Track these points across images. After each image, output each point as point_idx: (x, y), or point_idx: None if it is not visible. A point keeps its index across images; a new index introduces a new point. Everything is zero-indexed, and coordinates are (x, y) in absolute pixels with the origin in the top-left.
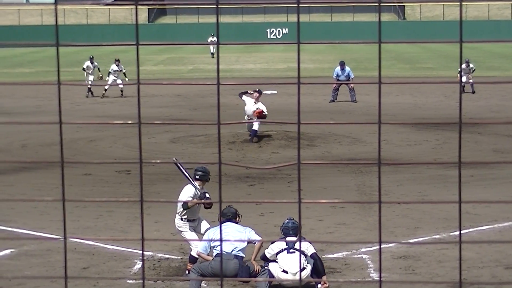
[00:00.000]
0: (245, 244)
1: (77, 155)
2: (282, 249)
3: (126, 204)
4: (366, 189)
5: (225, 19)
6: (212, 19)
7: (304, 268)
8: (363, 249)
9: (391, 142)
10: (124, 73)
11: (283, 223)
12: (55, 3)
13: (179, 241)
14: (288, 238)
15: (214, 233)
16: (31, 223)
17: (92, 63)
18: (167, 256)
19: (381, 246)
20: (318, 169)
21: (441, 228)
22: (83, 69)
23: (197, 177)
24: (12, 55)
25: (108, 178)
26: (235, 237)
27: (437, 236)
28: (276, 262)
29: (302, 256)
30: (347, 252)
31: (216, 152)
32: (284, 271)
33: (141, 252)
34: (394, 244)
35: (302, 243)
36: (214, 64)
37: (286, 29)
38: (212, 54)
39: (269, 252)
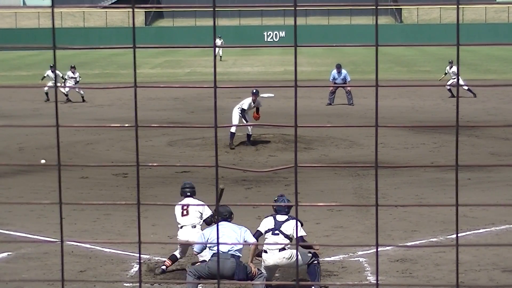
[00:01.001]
0: (241, 244)
1: (74, 158)
2: (269, 229)
3: (123, 207)
4: (363, 192)
5: (222, 22)
6: (209, 22)
7: (284, 249)
8: (360, 252)
9: (389, 145)
10: (77, 81)
11: (275, 200)
12: (52, 6)
13: (176, 244)
14: (279, 216)
15: (210, 233)
16: (29, 226)
17: (53, 72)
18: (164, 259)
19: (378, 249)
20: (315, 172)
21: (438, 231)
22: (44, 77)
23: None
24: (10, 58)
25: (105, 181)
26: (231, 236)
27: (434, 239)
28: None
29: (286, 238)
30: (344, 255)
31: (213, 155)
32: (264, 251)
33: (138, 255)
34: (391, 247)
35: (290, 222)
36: (212, 67)
37: (283, 32)
38: (220, 56)
39: (259, 230)
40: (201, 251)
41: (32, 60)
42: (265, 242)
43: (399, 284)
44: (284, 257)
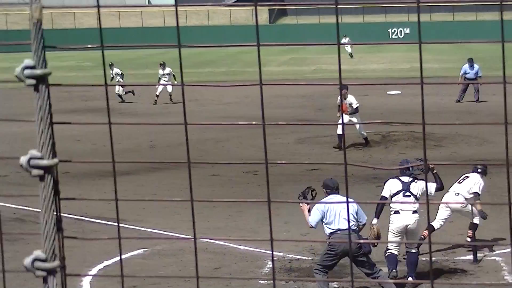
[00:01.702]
0: (356, 218)
1: (205, 156)
2: (398, 191)
3: (255, 205)
4: (497, 191)
5: (346, 19)
6: (332, 19)
7: (416, 212)
8: (496, 252)
9: None
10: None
11: (400, 163)
12: (175, 5)
13: (309, 242)
14: (403, 178)
15: (326, 208)
16: (162, 223)
17: (163, 69)
18: (298, 256)
19: None
20: (446, 170)
21: None
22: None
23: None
24: (137, 56)
25: (236, 178)
26: (345, 210)
27: None
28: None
29: (416, 200)
30: (480, 254)
31: (342, 152)
32: (396, 212)
33: (271, 252)
34: None
35: (418, 184)
36: (337, 64)
37: (408, 29)
38: (350, 54)
39: (385, 193)
40: (317, 225)
41: (159, 59)
42: (392, 204)
43: None
44: (416, 219)
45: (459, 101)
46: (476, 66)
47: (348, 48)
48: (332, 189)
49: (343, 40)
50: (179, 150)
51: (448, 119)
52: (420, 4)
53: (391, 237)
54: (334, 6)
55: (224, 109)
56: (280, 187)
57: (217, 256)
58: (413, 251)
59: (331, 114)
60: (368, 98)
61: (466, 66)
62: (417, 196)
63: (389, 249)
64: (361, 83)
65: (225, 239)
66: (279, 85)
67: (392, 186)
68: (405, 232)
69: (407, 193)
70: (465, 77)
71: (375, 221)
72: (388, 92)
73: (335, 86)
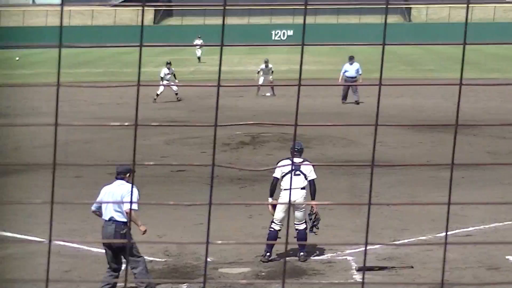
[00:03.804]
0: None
1: (70, 157)
2: (289, 171)
3: None
4: (357, 191)
5: (231, 20)
6: (217, 20)
7: (304, 188)
8: (348, 251)
9: (387, 144)
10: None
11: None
12: (61, 4)
13: (164, 243)
14: (295, 159)
15: (102, 193)
16: (17, 226)
17: (169, 69)
18: (151, 258)
19: (367, 248)
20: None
21: (427, 230)
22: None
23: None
24: (14, 56)
25: (100, 180)
26: (112, 198)
27: (423, 238)
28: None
29: (305, 179)
30: (332, 254)
31: (211, 154)
32: (285, 189)
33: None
34: (380, 245)
35: (306, 166)
36: (216, 66)
37: (291, 31)
38: (199, 58)
39: (276, 174)
40: (96, 209)
41: (37, 59)
42: (284, 182)
43: (384, 282)
44: (303, 196)
45: (344, 102)
46: (356, 64)
47: (198, 52)
48: (117, 174)
49: (196, 41)
50: (45, 151)
51: (321, 121)
52: (308, 7)
53: (276, 215)
54: (222, 8)
55: (96, 110)
56: (143, 188)
57: (69, 259)
58: (301, 227)
59: (204, 115)
60: (243, 100)
61: (346, 65)
62: (306, 175)
63: (272, 226)
64: (237, 85)
65: (80, 241)
66: (155, 86)
67: (282, 167)
68: (288, 209)
69: (297, 172)
70: (346, 76)
71: (270, 200)
72: (263, 94)
73: (212, 88)
